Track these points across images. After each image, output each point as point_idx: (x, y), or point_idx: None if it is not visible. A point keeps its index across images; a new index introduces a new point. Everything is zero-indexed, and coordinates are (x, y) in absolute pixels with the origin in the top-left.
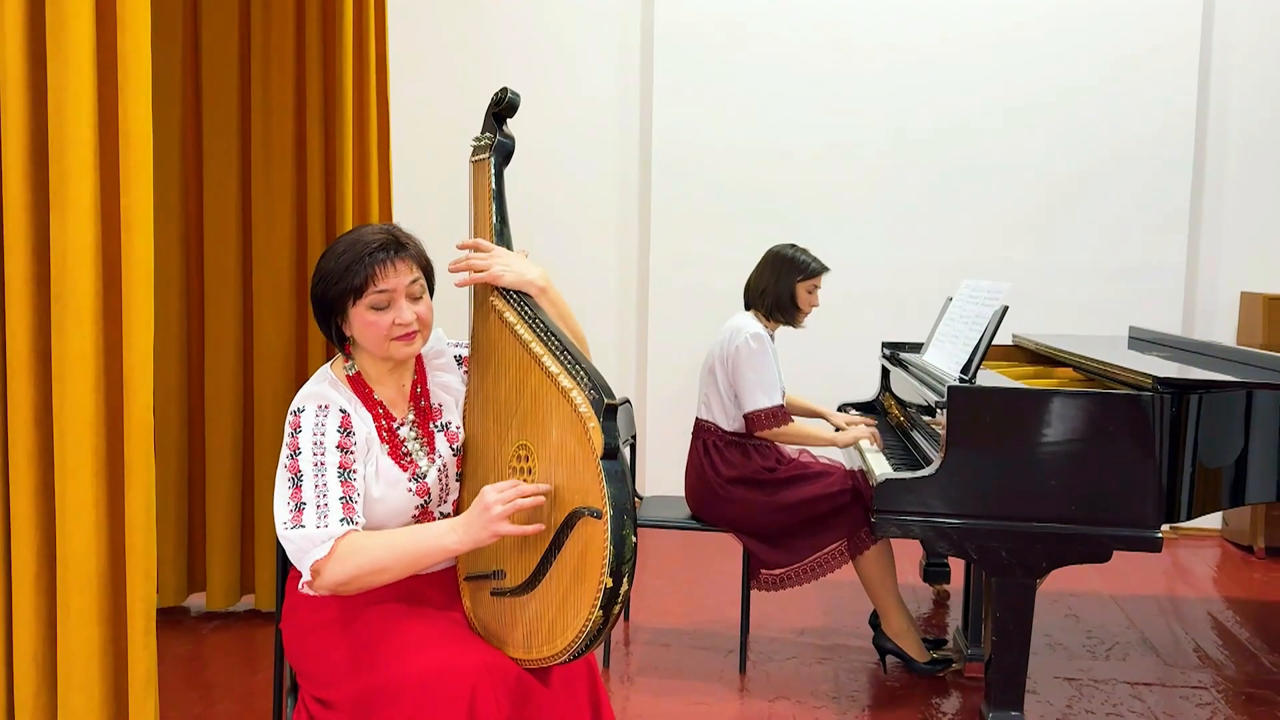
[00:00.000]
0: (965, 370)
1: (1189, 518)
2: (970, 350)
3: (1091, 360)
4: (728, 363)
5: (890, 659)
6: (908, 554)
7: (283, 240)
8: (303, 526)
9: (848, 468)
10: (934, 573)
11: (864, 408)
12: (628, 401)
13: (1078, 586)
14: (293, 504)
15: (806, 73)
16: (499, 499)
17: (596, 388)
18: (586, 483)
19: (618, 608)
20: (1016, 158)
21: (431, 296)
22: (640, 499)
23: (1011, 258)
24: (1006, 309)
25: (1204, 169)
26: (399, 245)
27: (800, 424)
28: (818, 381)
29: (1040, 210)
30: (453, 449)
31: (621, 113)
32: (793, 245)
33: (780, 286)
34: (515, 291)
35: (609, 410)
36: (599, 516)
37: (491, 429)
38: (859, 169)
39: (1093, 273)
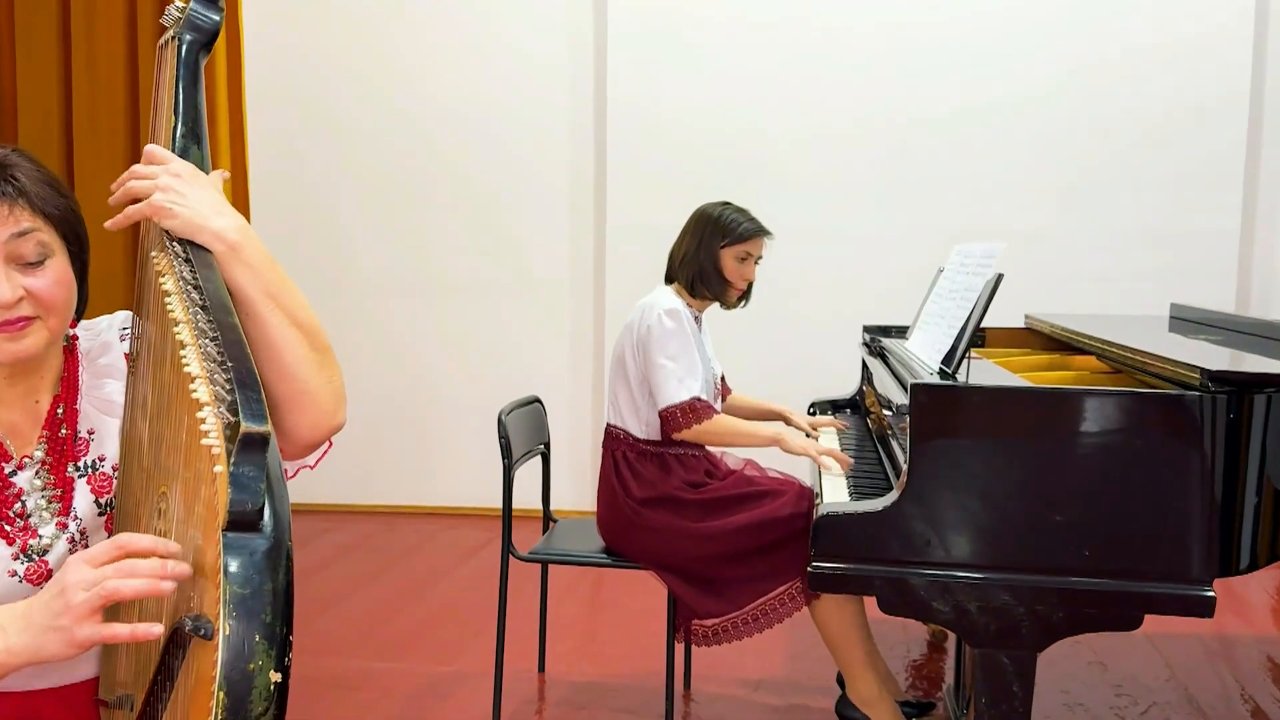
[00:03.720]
0: (948, 360)
1: (1252, 568)
2: (955, 334)
3: (1121, 348)
4: (639, 349)
5: None
6: None
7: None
8: None
9: (806, 484)
10: None
11: (844, 407)
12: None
13: None
14: None
15: (783, 32)
16: (84, 579)
17: (236, 404)
18: (207, 569)
19: None
20: (1038, 109)
21: (81, 268)
22: (555, 522)
23: (1030, 224)
24: (1001, 277)
25: (1261, 119)
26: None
27: (727, 420)
28: (793, 378)
29: (1065, 169)
30: (99, 504)
31: (574, 79)
32: (724, 203)
33: (702, 254)
34: (189, 244)
35: (247, 442)
36: (209, 636)
37: (147, 462)
38: (844, 129)
39: (1127, 240)
